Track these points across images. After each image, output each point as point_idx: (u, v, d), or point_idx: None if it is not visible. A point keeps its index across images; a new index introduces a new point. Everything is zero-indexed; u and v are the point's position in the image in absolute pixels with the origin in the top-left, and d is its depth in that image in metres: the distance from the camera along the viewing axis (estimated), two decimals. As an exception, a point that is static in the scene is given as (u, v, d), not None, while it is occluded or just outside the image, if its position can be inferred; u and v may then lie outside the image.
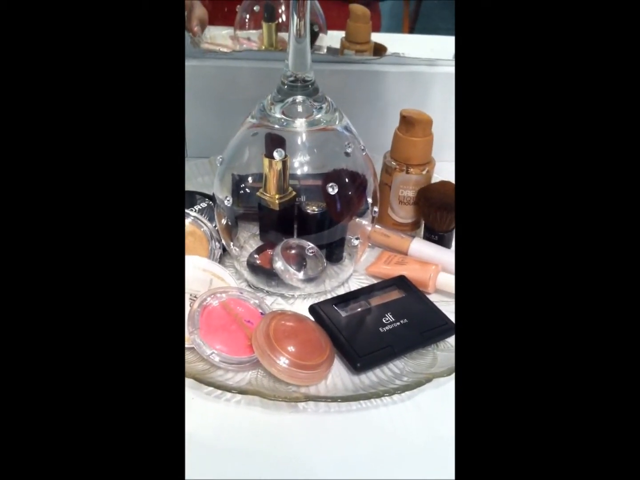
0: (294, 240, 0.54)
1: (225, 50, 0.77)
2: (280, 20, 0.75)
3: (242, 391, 0.44)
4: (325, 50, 0.78)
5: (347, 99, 0.64)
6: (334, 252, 0.57)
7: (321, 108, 0.51)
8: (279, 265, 0.53)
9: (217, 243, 0.58)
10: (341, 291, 0.57)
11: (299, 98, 0.51)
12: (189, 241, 0.57)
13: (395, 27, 0.87)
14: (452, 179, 0.55)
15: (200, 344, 0.46)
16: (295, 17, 0.47)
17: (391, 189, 0.63)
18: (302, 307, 0.54)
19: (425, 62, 0.76)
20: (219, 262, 0.57)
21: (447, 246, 0.62)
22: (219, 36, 0.78)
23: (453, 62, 0.76)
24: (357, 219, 0.56)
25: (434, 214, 0.60)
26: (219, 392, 0.45)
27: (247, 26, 0.78)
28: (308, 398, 0.44)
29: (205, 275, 0.53)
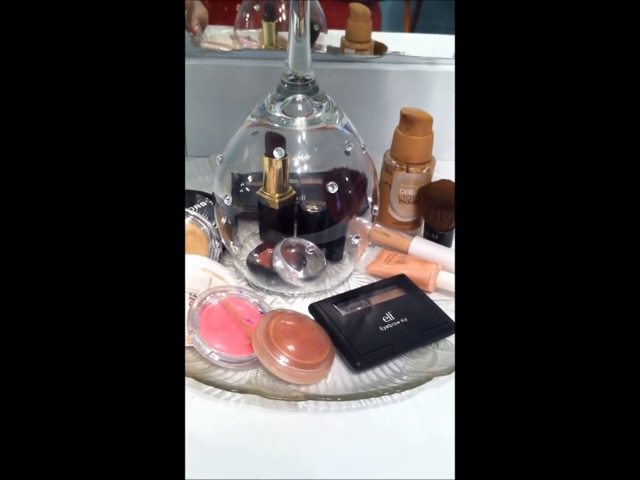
0: (294, 239, 0.54)
1: (225, 49, 0.76)
2: (280, 19, 0.75)
3: (241, 390, 0.44)
4: (325, 49, 0.78)
5: (347, 97, 0.64)
6: (334, 251, 0.57)
7: (321, 107, 0.51)
8: (278, 264, 0.53)
9: (216, 242, 0.58)
10: (341, 290, 0.57)
11: (299, 97, 0.50)
12: (188, 240, 0.57)
13: (396, 26, 0.87)
14: (453, 178, 0.55)
15: (200, 343, 0.46)
16: (295, 16, 0.47)
17: (391, 187, 0.63)
18: (302, 306, 0.54)
19: (426, 60, 0.76)
20: (219, 261, 0.57)
21: (447, 245, 0.62)
22: (219, 35, 0.78)
23: (453, 61, 0.76)
24: (357, 218, 0.56)
25: (434, 212, 0.59)
26: (219, 391, 0.45)
27: (247, 25, 0.78)
28: (308, 397, 0.44)
29: (205, 275, 0.53)
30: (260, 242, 0.58)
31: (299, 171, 0.52)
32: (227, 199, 0.53)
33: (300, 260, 0.55)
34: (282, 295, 0.56)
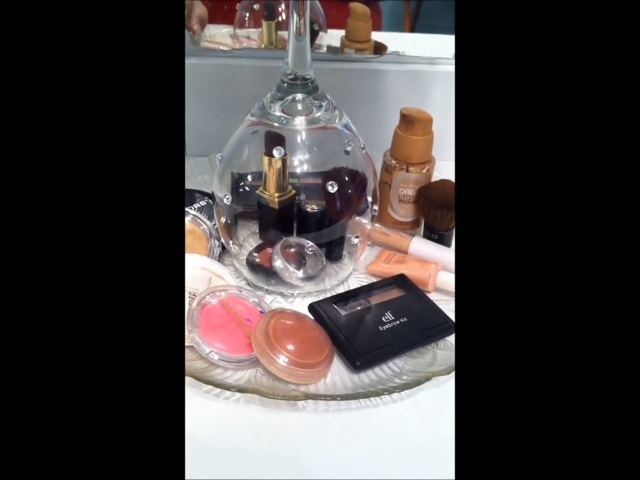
0: (294, 239, 0.54)
1: (224, 48, 0.76)
2: (280, 18, 0.75)
3: (241, 389, 0.44)
4: (325, 48, 0.78)
5: (347, 97, 0.64)
6: (333, 250, 0.57)
7: (321, 106, 0.51)
8: (278, 263, 0.53)
9: (216, 241, 0.58)
10: (341, 290, 0.57)
11: (299, 96, 0.50)
12: (188, 239, 0.57)
13: (396, 26, 0.87)
14: (452, 178, 0.55)
15: (199, 342, 0.46)
16: (295, 15, 0.47)
17: (391, 187, 0.63)
18: (301, 306, 0.54)
19: (426, 60, 0.76)
20: (218, 261, 0.57)
21: (447, 245, 0.62)
22: (219, 34, 0.78)
23: (453, 61, 0.76)
24: (357, 218, 0.56)
25: (433, 212, 0.59)
26: (218, 390, 0.45)
27: (246, 25, 0.78)
28: (307, 396, 0.44)
29: (205, 274, 0.53)
30: (259, 242, 0.58)
31: (298, 170, 0.52)
32: (227, 198, 0.53)
33: (299, 260, 0.55)
34: (281, 294, 0.56)
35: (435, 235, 0.61)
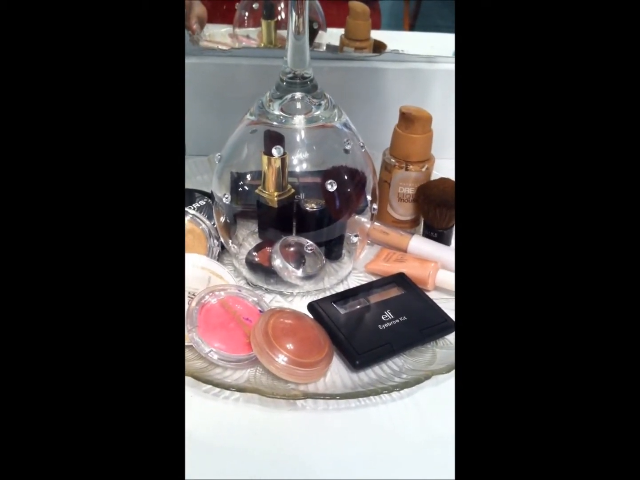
0: (293, 238, 0.54)
1: (224, 47, 0.76)
2: (279, 17, 0.75)
3: (240, 389, 0.44)
4: (324, 47, 0.78)
5: (346, 95, 0.64)
6: (333, 249, 0.57)
7: (320, 105, 0.51)
8: (277, 262, 0.53)
9: (215, 241, 0.58)
10: (340, 289, 0.57)
11: (298, 95, 0.50)
12: (187, 239, 0.57)
13: (396, 25, 0.87)
14: (452, 176, 0.55)
15: (199, 342, 0.46)
16: (294, 14, 0.47)
17: (390, 186, 0.63)
18: (300, 305, 0.54)
19: (425, 59, 0.76)
20: (218, 260, 0.57)
21: (447, 243, 0.62)
22: (218, 34, 0.78)
23: (453, 59, 0.76)
24: (356, 217, 0.56)
25: (433, 211, 0.59)
26: (218, 390, 0.45)
27: (246, 24, 0.78)
28: (307, 396, 0.44)
29: (204, 273, 0.53)
30: (259, 241, 0.57)
31: (297, 169, 0.52)
32: (226, 198, 0.53)
33: (299, 259, 0.55)
34: (281, 293, 0.56)
35: (434, 233, 0.61)
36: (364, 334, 0.49)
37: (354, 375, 0.47)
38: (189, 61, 0.72)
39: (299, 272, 0.54)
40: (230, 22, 0.77)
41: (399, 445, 0.42)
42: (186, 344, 0.47)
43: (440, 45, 0.77)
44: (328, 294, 0.56)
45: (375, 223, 0.62)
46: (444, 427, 0.43)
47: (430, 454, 0.42)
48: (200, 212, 0.59)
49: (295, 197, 0.53)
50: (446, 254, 0.59)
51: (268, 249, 0.55)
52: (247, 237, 0.58)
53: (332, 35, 0.77)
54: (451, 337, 0.51)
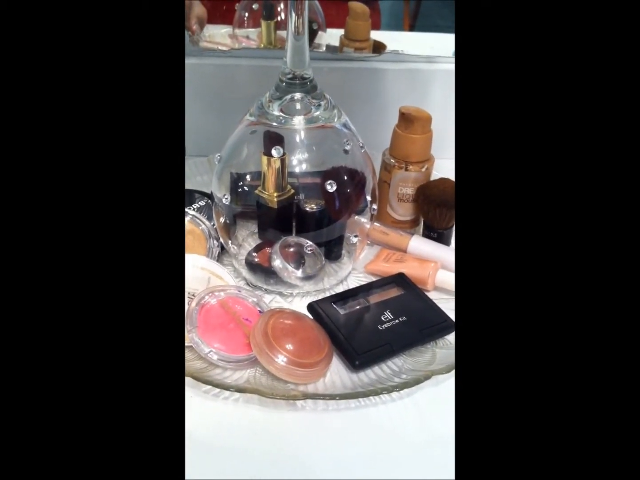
0: (293, 238, 0.54)
1: (223, 48, 0.76)
2: (279, 18, 0.75)
3: (240, 389, 0.44)
4: (324, 48, 0.78)
5: (346, 96, 0.64)
6: (332, 250, 0.57)
7: (320, 105, 0.51)
8: (277, 263, 0.53)
9: (215, 241, 0.58)
10: (340, 289, 0.57)
11: (297, 95, 0.50)
12: (187, 240, 0.57)
13: (395, 25, 0.87)
14: (451, 176, 0.55)
15: (199, 342, 0.46)
16: (293, 14, 0.47)
17: (390, 186, 0.63)
18: (300, 305, 0.54)
19: (425, 59, 0.76)
20: (217, 261, 0.57)
21: (446, 244, 0.62)
22: (218, 34, 0.78)
23: (452, 60, 0.76)
24: (356, 217, 0.56)
25: (433, 211, 0.59)
26: (217, 390, 0.45)
27: (246, 24, 0.78)
28: (306, 396, 0.44)
29: (204, 274, 0.53)
30: (258, 241, 0.58)
31: (297, 170, 0.52)
32: (226, 198, 0.53)
33: (298, 259, 0.55)
34: (280, 294, 0.56)
35: (434, 234, 0.61)
36: (364, 335, 0.49)
37: (354, 376, 0.47)
38: (188, 62, 0.72)
39: (299, 273, 0.54)
40: (230, 22, 0.77)
41: (399, 445, 0.42)
42: (186, 344, 0.47)
43: (440, 46, 0.77)
44: (328, 294, 0.56)
45: (375, 223, 0.62)
46: (444, 427, 0.43)
47: (430, 454, 0.42)
48: (200, 213, 0.60)
49: (295, 197, 0.53)
50: (446, 254, 0.59)
51: (268, 250, 0.55)
52: (247, 238, 0.58)
53: (331, 36, 0.77)
54: (451, 337, 0.51)
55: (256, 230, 0.57)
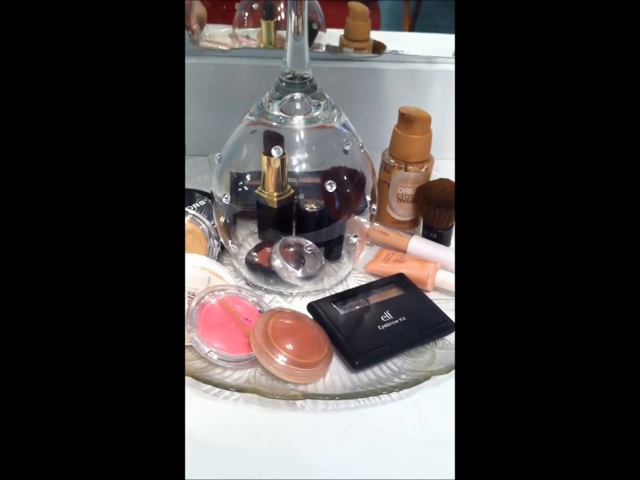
0: (293, 238, 0.54)
1: (223, 48, 0.76)
2: (279, 18, 0.75)
3: (240, 389, 0.44)
4: (324, 48, 0.78)
5: (345, 96, 0.64)
6: (332, 250, 0.57)
7: (319, 105, 0.51)
8: (277, 263, 0.53)
9: (215, 241, 0.58)
10: (340, 289, 0.57)
11: (297, 95, 0.50)
12: (187, 239, 0.57)
13: (395, 26, 0.87)
14: (451, 177, 0.55)
15: (199, 342, 0.46)
16: (293, 14, 0.47)
17: (390, 186, 0.63)
18: (300, 305, 0.54)
19: (424, 59, 0.76)
20: (217, 260, 0.57)
21: (446, 244, 0.62)
22: (218, 34, 0.78)
23: (452, 60, 0.76)
24: (356, 217, 0.56)
25: (432, 211, 0.59)
26: (217, 390, 0.45)
27: (246, 24, 0.78)
28: (306, 396, 0.44)
29: (204, 273, 0.53)
30: (258, 241, 0.58)
31: (297, 170, 0.52)
32: (226, 198, 0.53)
33: (298, 259, 0.55)
34: (280, 294, 0.56)
35: (434, 234, 0.61)
36: (364, 335, 0.49)
37: (354, 376, 0.47)
38: (188, 61, 0.72)
39: (299, 273, 0.54)
40: (230, 22, 0.77)
41: (398, 446, 0.42)
42: (186, 344, 0.47)
43: (439, 46, 0.77)
44: (327, 294, 0.56)
45: (375, 224, 0.62)
46: (444, 427, 0.43)
47: (430, 454, 0.42)
48: (200, 212, 0.60)
49: (295, 197, 0.53)
50: (446, 254, 0.59)
51: (268, 250, 0.55)
52: (247, 238, 0.58)
53: (331, 36, 0.77)
54: (451, 338, 0.51)
55: (256, 230, 0.57)
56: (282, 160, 0.51)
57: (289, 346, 0.45)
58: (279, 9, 0.75)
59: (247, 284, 0.57)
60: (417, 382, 0.45)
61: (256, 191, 0.53)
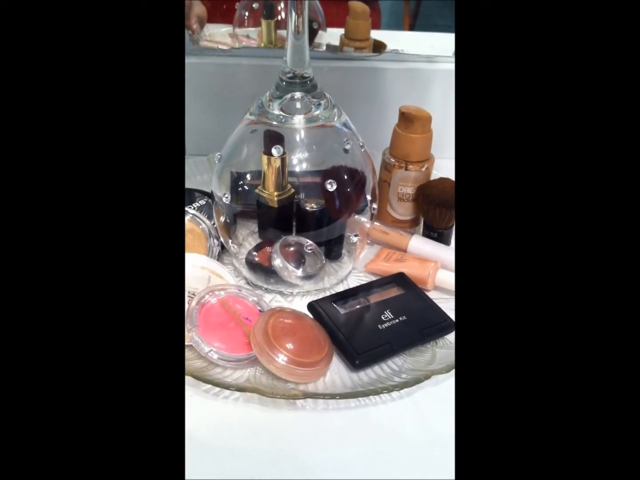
0: (293, 238, 0.54)
1: (224, 47, 0.76)
2: (279, 17, 0.75)
3: (240, 389, 0.44)
4: (324, 47, 0.78)
5: (346, 95, 0.64)
6: (332, 249, 0.57)
7: (320, 104, 0.51)
8: (277, 262, 0.53)
9: (215, 240, 0.58)
10: (340, 288, 0.57)
11: (298, 94, 0.50)
12: (187, 239, 0.57)
13: (395, 25, 0.87)
14: (451, 176, 0.55)
15: (199, 342, 0.46)
16: (293, 13, 0.47)
17: (390, 185, 0.63)
18: (300, 305, 0.53)
19: (425, 58, 0.76)
20: (218, 260, 0.57)
21: (446, 243, 0.62)
22: (218, 34, 0.78)
23: (452, 59, 0.76)
24: (356, 216, 0.56)
25: (433, 211, 0.59)
26: (218, 389, 0.45)
27: (246, 24, 0.78)
28: (306, 395, 0.44)
29: (204, 273, 0.53)
30: (259, 241, 0.57)
31: (297, 169, 0.52)
32: (226, 198, 0.53)
33: (299, 259, 0.55)
34: (280, 293, 0.56)
35: (434, 233, 0.61)
36: (364, 334, 0.49)
37: (354, 375, 0.47)
38: (188, 61, 0.72)
39: (299, 272, 0.54)
40: (230, 21, 0.77)
41: (399, 445, 0.42)
42: (186, 343, 0.47)
43: (440, 45, 0.77)
44: (328, 293, 0.56)
45: (375, 223, 0.62)
46: (444, 427, 0.43)
47: (430, 454, 0.42)
48: (200, 212, 0.60)
49: (295, 196, 0.53)
50: (446, 253, 0.59)
51: (268, 249, 0.55)
52: (247, 237, 0.58)
53: (331, 35, 0.77)
54: (451, 337, 0.51)
55: (256, 230, 0.57)
56: (283, 159, 0.51)
57: (290, 345, 0.45)
58: (279, 8, 0.75)
59: (248, 283, 0.57)
60: (417, 381, 0.45)
61: (256, 190, 0.53)
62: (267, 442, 0.42)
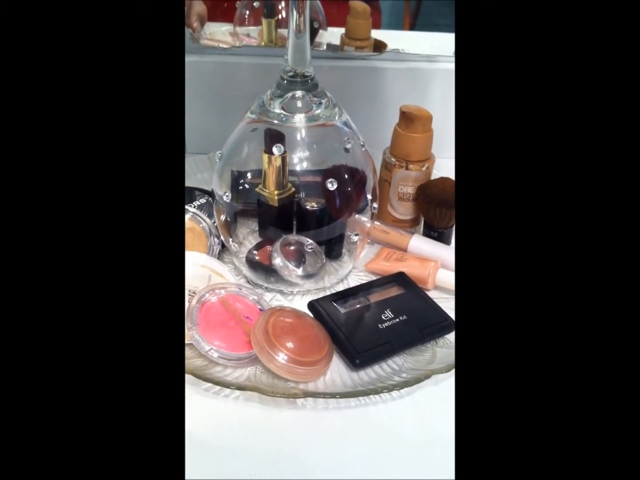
0: (293, 237, 0.54)
1: (224, 46, 0.76)
2: (280, 16, 0.75)
3: (240, 387, 0.44)
4: (325, 46, 0.78)
5: (346, 94, 0.64)
6: (333, 248, 0.57)
7: (320, 103, 0.51)
8: (278, 261, 0.53)
9: (216, 239, 0.58)
10: (340, 287, 0.57)
11: (299, 93, 0.50)
12: (188, 237, 0.57)
13: (396, 24, 0.87)
14: (452, 176, 0.55)
15: (199, 340, 0.46)
16: (294, 13, 0.47)
17: (390, 185, 0.63)
18: (301, 304, 0.53)
19: (425, 58, 0.76)
20: (218, 258, 0.57)
21: (447, 243, 0.62)
22: (219, 32, 0.78)
23: (453, 59, 0.76)
24: (357, 216, 0.56)
25: (433, 210, 0.59)
26: (218, 388, 0.45)
27: (246, 22, 0.78)
28: (307, 394, 0.44)
29: (204, 272, 0.53)
30: (259, 239, 0.57)
31: (298, 168, 0.52)
32: (227, 196, 0.53)
33: (299, 258, 0.55)
34: (281, 292, 0.56)
35: (434, 233, 0.61)
36: (364, 333, 0.49)
37: (354, 374, 0.47)
38: (189, 59, 0.72)
39: (299, 271, 0.54)
40: (230, 20, 0.77)
41: (399, 445, 0.42)
42: (186, 342, 0.47)
43: (440, 45, 0.77)
44: (328, 292, 0.56)
45: (376, 222, 0.62)
46: (444, 426, 0.43)
47: (430, 453, 0.42)
48: (200, 210, 0.59)
49: (296, 195, 0.53)
50: (446, 253, 0.59)
51: (268, 248, 0.55)
52: (248, 236, 0.58)
53: (332, 35, 0.77)
54: (451, 337, 0.51)
55: (257, 228, 0.57)
56: (283, 158, 0.51)
57: (290, 344, 0.45)
58: (280, 7, 0.74)
59: (248, 282, 0.57)
60: (417, 380, 0.45)
61: (257, 189, 0.53)
62: (267, 441, 0.42)
